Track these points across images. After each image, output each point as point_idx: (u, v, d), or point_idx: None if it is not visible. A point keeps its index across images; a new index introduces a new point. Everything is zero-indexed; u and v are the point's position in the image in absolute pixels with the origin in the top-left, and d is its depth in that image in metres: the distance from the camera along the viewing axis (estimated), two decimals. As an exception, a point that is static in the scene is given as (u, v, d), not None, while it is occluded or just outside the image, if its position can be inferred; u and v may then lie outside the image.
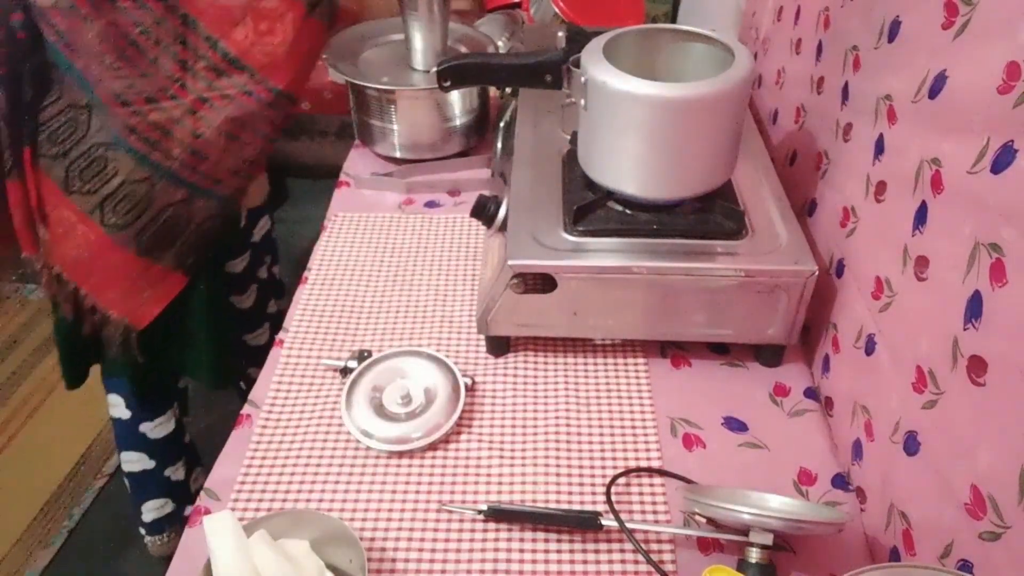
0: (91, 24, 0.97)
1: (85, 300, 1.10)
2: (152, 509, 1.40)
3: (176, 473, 1.38)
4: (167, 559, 0.73)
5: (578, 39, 1.00)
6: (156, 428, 1.30)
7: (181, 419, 1.37)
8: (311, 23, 1.05)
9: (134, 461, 1.33)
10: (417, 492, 0.78)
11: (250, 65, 1.03)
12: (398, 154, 1.25)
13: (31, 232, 1.09)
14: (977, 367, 0.57)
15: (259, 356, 1.05)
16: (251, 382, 0.93)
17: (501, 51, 1.37)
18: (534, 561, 0.72)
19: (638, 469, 0.80)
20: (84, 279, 1.09)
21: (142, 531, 1.44)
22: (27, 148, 1.04)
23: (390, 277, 1.05)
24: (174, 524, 1.43)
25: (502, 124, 1.17)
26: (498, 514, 0.74)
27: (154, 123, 1.02)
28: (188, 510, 1.36)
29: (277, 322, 1.23)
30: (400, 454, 0.81)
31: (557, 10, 1.62)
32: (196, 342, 1.19)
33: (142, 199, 1.04)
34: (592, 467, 0.80)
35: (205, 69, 1.02)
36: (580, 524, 0.73)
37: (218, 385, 1.29)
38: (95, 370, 1.28)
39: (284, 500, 0.78)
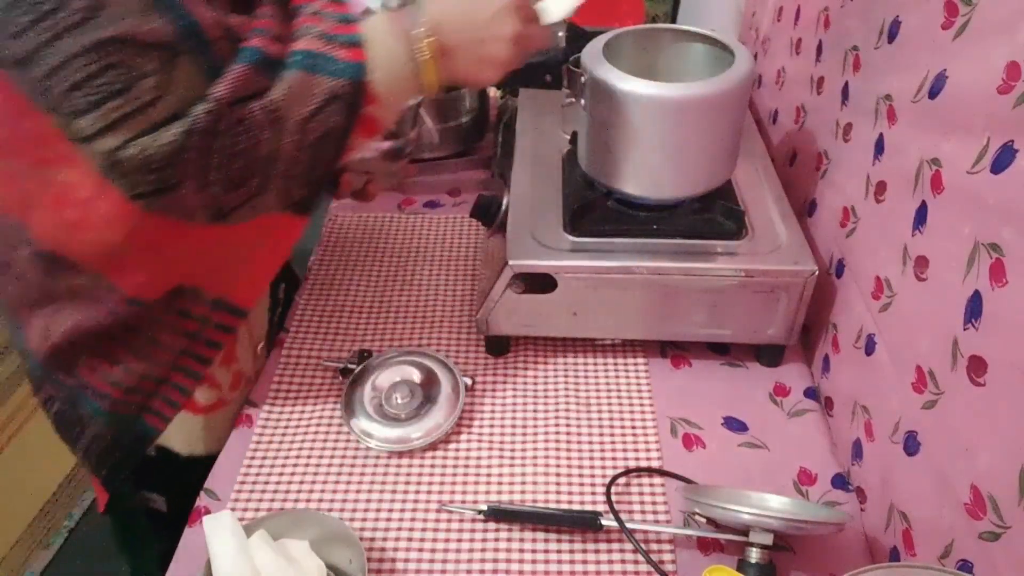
0: None
1: None
2: None
3: None
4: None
5: (578, 39, 1.00)
6: None
7: None
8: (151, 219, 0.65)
9: None
10: (417, 492, 0.78)
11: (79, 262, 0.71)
12: (398, 154, 1.25)
13: None
14: (977, 367, 0.57)
15: None
16: None
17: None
18: (534, 561, 0.72)
19: (638, 469, 0.80)
20: None
21: None
22: None
23: (390, 277, 1.05)
24: None
25: (502, 124, 1.17)
26: (498, 514, 0.74)
27: None
28: None
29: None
30: (400, 454, 0.81)
31: (557, 10, 1.62)
32: None
33: None
34: (592, 467, 0.80)
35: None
36: (580, 524, 0.73)
37: None
38: None
39: (284, 500, 0.78)
